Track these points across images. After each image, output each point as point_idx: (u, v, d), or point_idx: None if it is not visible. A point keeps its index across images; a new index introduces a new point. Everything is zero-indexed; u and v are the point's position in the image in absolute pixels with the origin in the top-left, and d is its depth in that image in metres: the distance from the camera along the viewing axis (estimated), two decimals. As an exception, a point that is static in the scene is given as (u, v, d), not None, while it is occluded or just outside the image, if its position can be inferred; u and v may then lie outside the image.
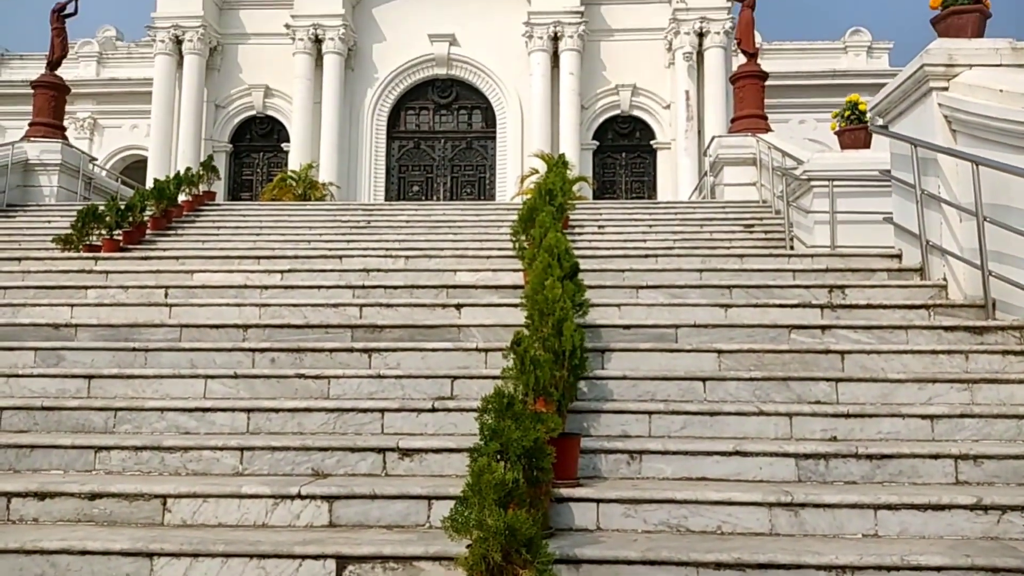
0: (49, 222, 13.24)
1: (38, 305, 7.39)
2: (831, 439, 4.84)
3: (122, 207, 11.57)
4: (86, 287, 7.85)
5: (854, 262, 7.83)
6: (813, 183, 9.93)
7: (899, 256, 7.75)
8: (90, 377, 5.73)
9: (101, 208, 11.25)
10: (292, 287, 7.58)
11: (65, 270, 8.71)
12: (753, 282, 7.27)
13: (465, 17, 24.27)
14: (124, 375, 5.75)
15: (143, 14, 24.94)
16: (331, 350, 6.04)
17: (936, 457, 4.46)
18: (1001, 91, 6.19)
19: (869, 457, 4.47)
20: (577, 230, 12.46)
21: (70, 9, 16.85)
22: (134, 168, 27.04)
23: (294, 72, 23.45)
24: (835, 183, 9.50)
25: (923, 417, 4.90)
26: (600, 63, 24.07)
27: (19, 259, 9.44)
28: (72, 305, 7.32)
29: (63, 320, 6.85)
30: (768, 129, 15.40)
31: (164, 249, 10.87)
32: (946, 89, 6.81)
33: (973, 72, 6.68)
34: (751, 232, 11.96)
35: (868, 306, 6.59)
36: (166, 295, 7.54)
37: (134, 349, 6.14)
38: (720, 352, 5.77)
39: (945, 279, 6.87)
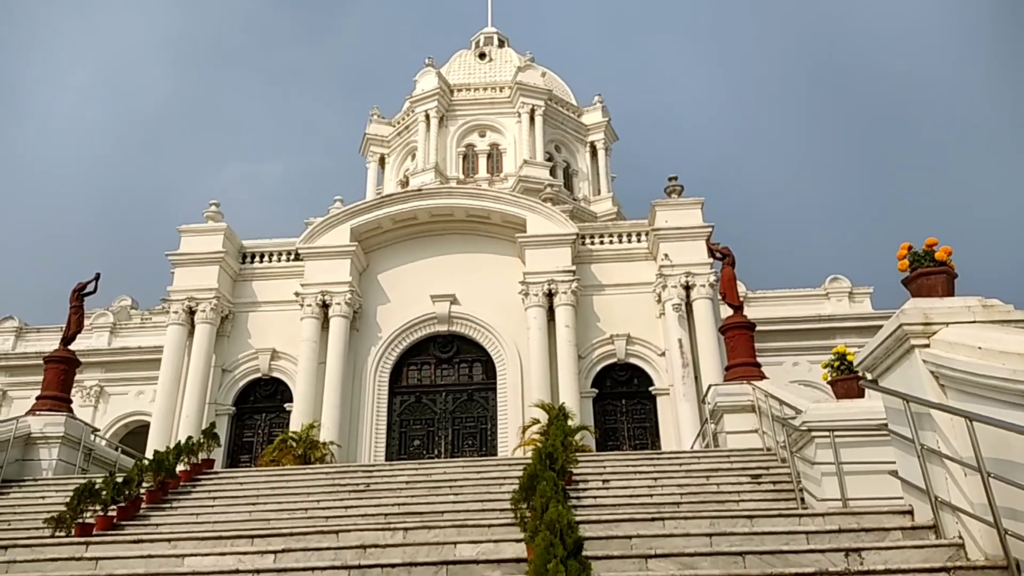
0: (43, 498, 13.04)
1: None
2: None
3: (119, 481, 11.49)
4: (73, 577, 7.54)
5: (867, 520, 7.60)
6: (814, 434, 9.92)
7: (911, 512, 7.52)
8: None
9: (98, 484, 11.16)
10: (286, 570, 7.28)
11: (54, 558, 8.39)
12: (766, 547, 7.01)
13: (464, 278, 25.66)
14: None
15: (159, 283, 26.23)
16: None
17: None
18: (980, 348, 6.39)
19: None
20: (581, 485, 12.23)
21: (90, 288, 17.88)
22: (136, 433, 27.08)
23: (301, 335, 24.21)
24: (836, 433, 9.49)
25: None
26: (594, 315, 25.00)
27: (5, 547, 9.10)
28: (59, 600, 6.98)
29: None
30: (762, 376, 15.67)
31: (157, 526, 10.59)
32: (927, 346, 7.03)
33: (950, 329, 6.94)
34: (759, 484, 11.72)
35: (887, 571, 6.30)
36: (155, 584, 7.23)
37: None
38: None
39: (961, 537, 6.61)
